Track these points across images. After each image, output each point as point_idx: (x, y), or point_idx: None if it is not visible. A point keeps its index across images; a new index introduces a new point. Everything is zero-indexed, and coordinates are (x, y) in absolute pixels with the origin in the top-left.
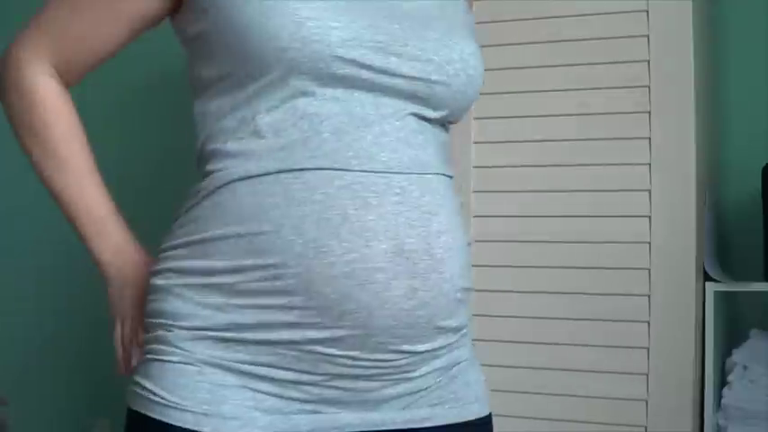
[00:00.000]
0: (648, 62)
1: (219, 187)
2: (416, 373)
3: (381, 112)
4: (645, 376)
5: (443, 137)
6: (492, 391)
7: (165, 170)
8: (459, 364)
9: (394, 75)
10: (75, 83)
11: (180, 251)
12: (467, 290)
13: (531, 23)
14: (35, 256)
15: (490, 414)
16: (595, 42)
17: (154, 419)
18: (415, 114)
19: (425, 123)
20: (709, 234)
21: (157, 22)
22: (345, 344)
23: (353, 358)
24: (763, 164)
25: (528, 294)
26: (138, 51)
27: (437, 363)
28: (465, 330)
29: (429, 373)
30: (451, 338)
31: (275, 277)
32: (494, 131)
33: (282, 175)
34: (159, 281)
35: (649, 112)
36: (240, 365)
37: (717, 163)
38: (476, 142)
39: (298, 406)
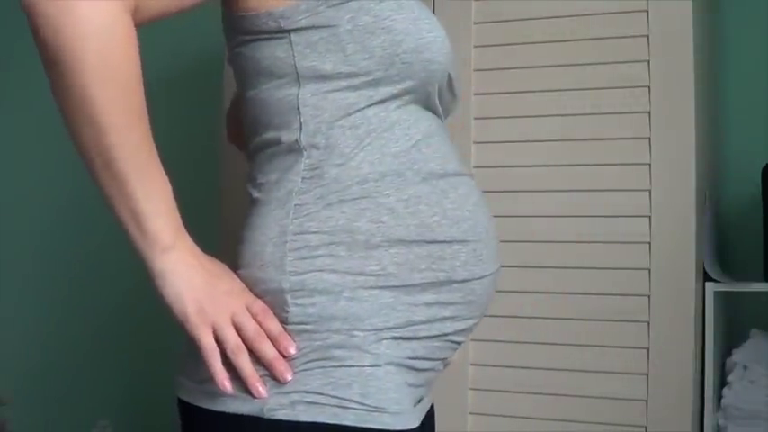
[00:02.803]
0: (648, 62)
1: (368, 183)
2: None
3: (443, 126)
4: (645, 376)
5: None
6: (492, 391)
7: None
8: None
9: (453, 94)
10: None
11: (335, 249)
12: None
13: (531, 23)
14: (36, 257)
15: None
16: (595, 42)
17: (348, 427)
18: None
19: None
20: (710, 234)
21: None
22: (468, 332)
23: (461, 343)
24: (763, 164)
25: (528, 294)
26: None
27: None
28: None
29: None
30: None
31: (449, 279)
32: (494, 131)
33: (435, 182)
34: (319, 283)
35: (649, 112)
36: (406, 360)
37: (717, 163)
38: (476, 142)
39: (418, 394)
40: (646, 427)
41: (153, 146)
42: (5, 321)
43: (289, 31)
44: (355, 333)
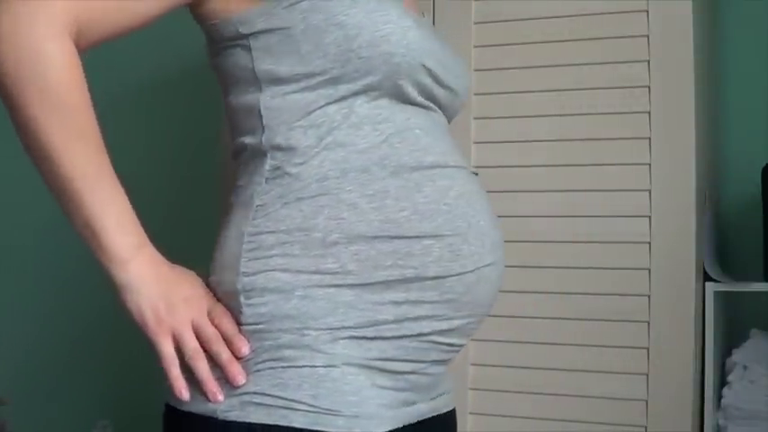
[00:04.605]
0: (648, 62)
1: (328, 180)
2: None
3: (436, 120)
4: (645, 376)
5: None
6: (492, 391)
7: (169, 170)
8: None
9: (443, 86)
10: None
11: (289, 248)
12: None
13: (531, 23)
14: (36, 257)
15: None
16: (595, 42)
17: (298, 429)
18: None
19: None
20: (709, 234)
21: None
22: (458, 332)
23: (456, 345)
24: (763, 164)
25: (528, 294)
26: (137, 51)
27: None
28: None
29: None
30: None
31: (417, 276)
32: (494, 131)
33: (408, 176)
34: (270, 282)
35: (649, 112)
36: (372, 362)
37: (717, 163)
38: (476, 142)
39: (401, 397)
40: (646, 427)
41: (105, 161)
42: (5, 321)
43: (247, 36)
44: (307, 332)
